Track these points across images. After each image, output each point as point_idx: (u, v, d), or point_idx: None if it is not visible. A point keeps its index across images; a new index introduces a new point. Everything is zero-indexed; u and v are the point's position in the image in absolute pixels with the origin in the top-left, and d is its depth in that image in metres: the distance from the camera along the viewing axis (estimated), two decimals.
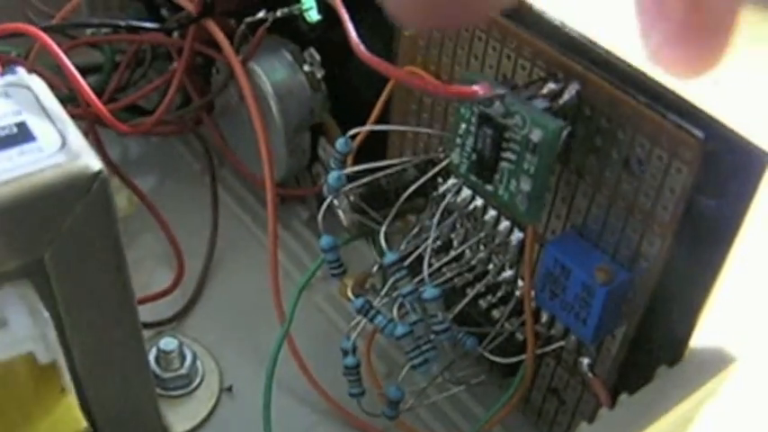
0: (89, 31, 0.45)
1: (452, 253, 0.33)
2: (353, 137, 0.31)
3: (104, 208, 0.24)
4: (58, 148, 0.24)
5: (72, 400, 0.26)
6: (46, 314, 0.24)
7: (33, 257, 0.24)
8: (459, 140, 0.28)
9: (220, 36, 0.38)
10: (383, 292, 0.31)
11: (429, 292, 0.28)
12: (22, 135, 0.24)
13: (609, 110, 0.26)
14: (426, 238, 0.32)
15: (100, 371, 0.28)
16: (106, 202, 0.24)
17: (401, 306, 0.30)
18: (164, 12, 0.45)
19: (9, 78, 0.26)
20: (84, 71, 0.39)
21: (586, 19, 0.27)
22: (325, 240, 0.31)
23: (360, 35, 0.37)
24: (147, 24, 0.41)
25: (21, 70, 0.27)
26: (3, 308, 0.23)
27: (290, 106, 0.39)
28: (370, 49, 0.37)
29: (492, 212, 0.32)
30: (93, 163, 0.24)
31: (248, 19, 0.38)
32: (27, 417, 0.25)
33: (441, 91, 0.23)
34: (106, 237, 0.25)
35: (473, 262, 0.33)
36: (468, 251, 0.33)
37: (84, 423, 0.26)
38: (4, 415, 0.25)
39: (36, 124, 0.24)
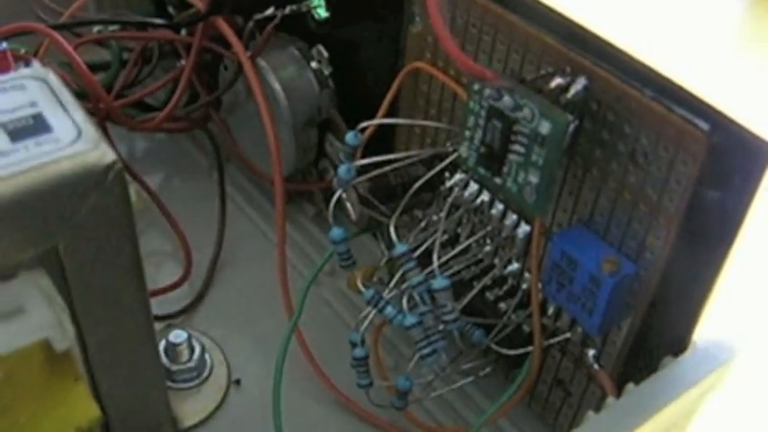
0: (96, 28, 0.45)
1: (459, 246, 0.34)
2: (363, 130, 0.31)
3: (119, 198, 0.25)
4: (74, 139, 0.24)
5: (85, 388, 0.27)
6: (62, 302, 0.24)
7: (48, 247, 0.24)
8: (467, 134, 0.28)
9: (230, 33, 0.38)
10: (392, 284, 0.31)
11: (439, 282, 0.29)
12: (38, 126, 0.24)
13: (616, 103, 0.26)
14: (434, 232, 0.32)
15: (112, 360, 0.28)
16: (121, 192, 0.25)
17: (410, 297, 0.30)
18: (170, 9, 0.46)
19: (25, 71, 0.27)
20: (92, 68, 0.39)
21: (593, 13, 0.27)
22: (336, 232, 0.31)
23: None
24: (157, 21, 0.42)
25: (36, 63, 0.27)
26: (20, 296, 0.24)
27: (297, 103, 0.40)
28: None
29: (499, 206, 0.32)
30: (109, 154, 0.24)
31: (257, 16, 0.38)
32: (41, 404, 0.26)
33: (460, 61, 0.24)
34: (121, 227, 0.25)
35: (480, 255, 0.34)
36: (474, 245, 0.34)
37: (97, 411, 0.27)
38: (20, 401, 0.25)
39: (52, 116, 0.25)
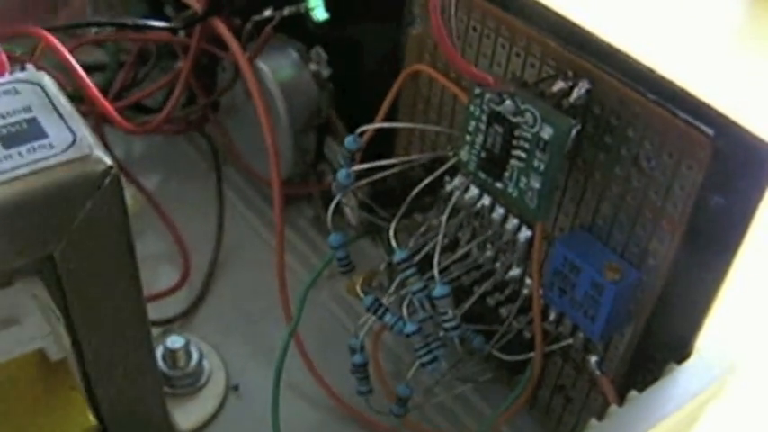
0: (93, 30, 0.45)
1: (460, 251, 0.33)
2: (362, 134, 0.31)
3: (115, 204, 0.24)
4: (69, 144, 0.24)
5: (81, 397, 0.26)
6: (57, 311, 0.24)
7: (43, 254, 0.24)
8: (468, 138, 0.28)
9: (228, 35, 0.38)
10: (391, 290, 0.31)
11: (439, 289, 0.28)
12: (32, 131, 0.24)
13: (618, 108, 0.26)
14: (434, 237, 0.32)
15: (108, 368, 0.28)
16: (117, 198, 0.24)
17: (410, 304, 0.30)
18: (168, 10, 0.45)
19: (19, 75, 0.26)
20: (89, 70, 0.39)
21: (596, 17, 0.27)
22: (335, 238, 0.31)
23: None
24: (154, 23, 0.41)
25: (30, 67, 0.27)
26: (14, 305, 0.24)
27: (296, 105, 0.39)
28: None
29: (500, 211, 0.32)
30: (105, 159, 0.24)
31: (255, 17, 0.38)
32: (37, 413, 0.25)
33: (462, 67, 0.24)
34: (117, 233, 0.25)
35: (480, 260, 0.33)
36: (475, 249, 0.34)
37: (93, 420, 0.26)
38: (15, 411, 0.25)
39: (46, 121, 0.24)
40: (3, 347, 0.23)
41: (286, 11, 0.37)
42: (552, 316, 0.31)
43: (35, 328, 0.24)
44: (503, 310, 0.33)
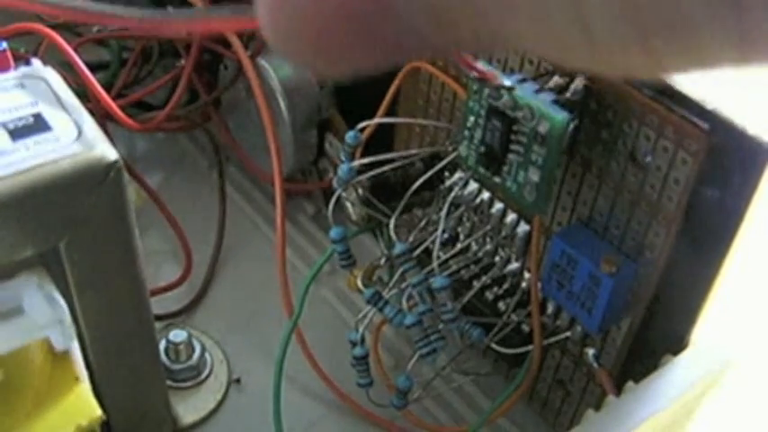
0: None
1: (459, 245, 0.34)
2: (362, 130, 0.31)
3: (119, 197, 0.25)
4: (74, 138, 0.24)
5: (86, 387, 0.27)
6: (62, 302, 0.24)
7: (49, 246, 0.24)
8: (467, 133, 0.28)
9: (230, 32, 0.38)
10: (392, 283, 0.31)
11: (439, 281, 0.29)
12: (38, 125, 0.25)
13: (615, 103, 0.26)
14: (433, 231, 0.32)
15: (112, 360, 0.28)
16: (121, 191, 0.25)
17: (410, 297, 0.30)
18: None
19: (25, 70, 0.27)
20: (92, 68, 0.39)
21: None
22: (336, 231, 0.31)
23: None
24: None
25: (36, 62, 0.27)
26: (21, 295, 0.24)
27: (297, 102, 0.40)
28: None
29: (498, 205, 0.32)
30: (109, 153, 0.24)
31: None
32: (42, 403, 0.26)
33: (467, 64, 0.24)
34: (120, 226, 0.25)
35: (479, 254, 0.34)
36: (474, 244, 0.34)
37: (98, 411, 0.27)
38: (20, 401, 0.25)
39: (52, 115, 0.25)
40: (8, 337, 0.24)
41: None
42: (550, 309, 0.32)
43: (41, 318, 0.24)
44: (501, 304, 0.33)
